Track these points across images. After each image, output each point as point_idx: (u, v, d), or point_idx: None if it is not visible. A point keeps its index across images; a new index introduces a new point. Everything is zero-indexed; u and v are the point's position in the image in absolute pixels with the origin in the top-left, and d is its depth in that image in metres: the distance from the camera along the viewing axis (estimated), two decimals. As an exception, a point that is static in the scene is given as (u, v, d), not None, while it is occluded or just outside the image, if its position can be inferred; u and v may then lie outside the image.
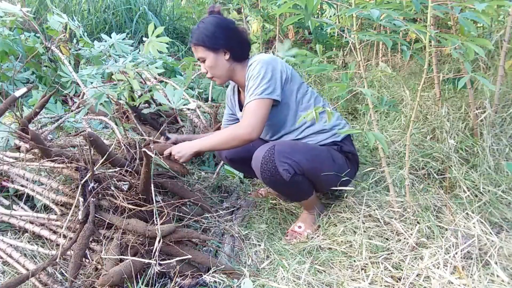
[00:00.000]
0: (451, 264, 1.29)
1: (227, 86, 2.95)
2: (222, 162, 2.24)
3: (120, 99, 2.27)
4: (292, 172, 1.52)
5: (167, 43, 2.68)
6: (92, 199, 1.42)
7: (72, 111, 2.36)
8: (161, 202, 1.53)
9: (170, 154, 1.68)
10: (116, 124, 2.08)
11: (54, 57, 2.89)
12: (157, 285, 1.36)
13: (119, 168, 1.58)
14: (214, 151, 1.71)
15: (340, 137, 1.69)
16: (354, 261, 1.42)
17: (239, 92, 1.85)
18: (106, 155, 1.46)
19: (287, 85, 1.64)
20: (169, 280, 1.37)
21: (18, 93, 1.76)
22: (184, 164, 1.75)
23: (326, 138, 1.68)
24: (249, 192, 2.07)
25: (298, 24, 3.77)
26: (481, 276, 1.24)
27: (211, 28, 1.61)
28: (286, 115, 1.67)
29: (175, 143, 1.81)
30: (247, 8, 3.30)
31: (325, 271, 1.41)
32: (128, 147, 1.66)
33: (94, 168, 1.44)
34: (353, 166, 1.72)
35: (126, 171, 1.57)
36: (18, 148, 1.83)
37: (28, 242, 1.60)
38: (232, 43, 1.65)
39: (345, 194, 1.72)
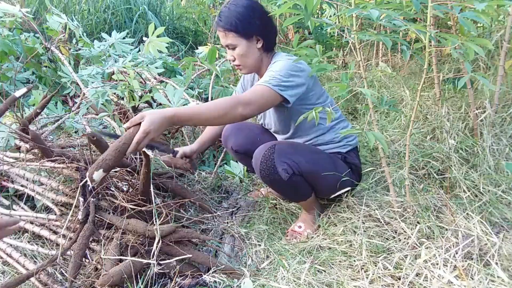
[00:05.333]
0: (451, 263, 1.29)
1: (227, 87, 2.95)
2: (220, 161, 2.24)
3: (122, 99, 2.27)
4: (290, 172, 1.51)
5: (167, 43, 2.69)
6: (92, 199, 1.42)
7: (72, 111, 2.36)
8: (160, 203, 1.53)
9: (173, 150, 1.64)
10: (118, 124, 2.08)
11: (54, 57, 2.89)
12: (157, 285, 1.36)
13: (119, 168, 1.58)
14: (198, 123, 1.43)
15: (346, 149, 1.68)
16: (354, 260, 1.42)
17: None
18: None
19: (306, 94, 1.57)
20: (169, 280, 1.37)
21: (18, 93, 1.76)
22: (189, 161, 1.73)
23: (331, 148, 1.68)
24: (249, 192, 2.07)
25: (298, 24, 3.77)
26: (482, 277, 1.24)
27: (245, 12, 1.50)
28: (299, 123, 1.59)
29: (186, 156, 1.77)
30: (247, 8, 3.29)
31: (325, 271, 1.41)
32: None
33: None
34: (355, 177, 1.71)
35: (127, 171, 1.58)
36: (18, 148, 1.83)
37: (28, 242, 1.60)
38: (267, 30, 1.56)
39: (345, 194, 1.72)
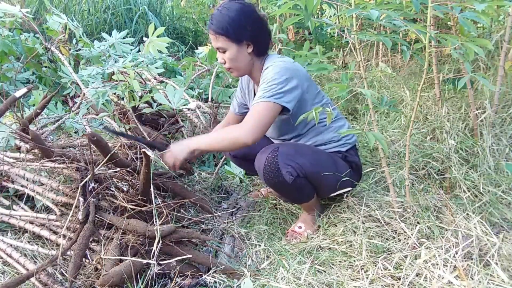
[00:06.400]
0: (451, 264, 1.29)
1: (227, 86, 2.96)
2: (221, 162, 2.24)
3: (122, 99, 2.27)
4: (295, 175, 1.51)
5: (167, 43, 2.69)
6: (92, 199, 1.42)
7: (72, 111, 2.36)
8: (160, 203, 1.53)
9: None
10: (118, 124, 2.08)
11: (54, 57, 2.89)
12: (157, 285, 1.36)
13: (119, 169, 1.58)
14: (211, 151, 1.66)
15: (345, 147, 1.68)
16: (354, 261, 1.42)
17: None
18: (109, 156, 1.45)
19: (301, 96, 1.56)
20: (169, 280, 1.37)
21: (18, 94, 1.76)
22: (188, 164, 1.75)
23: (331, 148, 1.67)
24: (249, 192, 2.07)
25: (298, 25, 3.77)
26: (481, 277, 1.24)
27: (237, 17, 1.49)
28: (296, 124, 1.60)
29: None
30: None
31: (325, 271, 1.41)
32: (128, 147, 1.66)
33: (96, 169, 1.44)
34: (356, 175, 1.71)
35: (127, 171, 1.58)
36: (18, 149, 1.84)
37: (28, 242, 1.60)
38: (258, 36, 1.55)
39: (345, 195, 1.73)
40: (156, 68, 2.63)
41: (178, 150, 1.55)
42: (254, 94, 1.75)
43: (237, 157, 1.87)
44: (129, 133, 2.05)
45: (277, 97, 1.48)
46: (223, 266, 1.40)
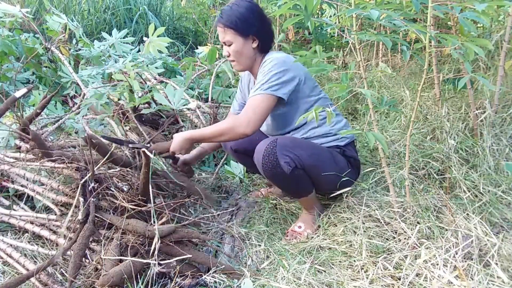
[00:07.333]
0: (451, 264, 1.29)
1: (227, 86, 2.95)
2: (222, 162, 2.24)
3: (120, 99, 2.27)
4: (293, 166, 1.53)
5: (167, 43, 2.69)
6: (92, 199, 1.42)
7: (72, 111, 2.36)
8: (160, 203, 1.53)
9: (174, 155, 1.70)
10: (116, 124, 2.08)
11: (54, 57, 2.89)
12: (157, 285, 1.36)
13: (119, 169, 1.58)
14: (210, 141, 1.78)
15: (344, 142, 1.69)
16: (354, 261, 1.43)
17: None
18: (107, 155, 1.46)
19: (298, 87, 1.63)
20: (169, 280, 1.37)
21: (18, 94, 1.76)
22: (188, 168, 1.81)
23: (329, 141, 1.68)
24: (249, 192, 2.07)
25: (298, 25, 3.76)
26: (481, 277, 1.24)
27: (246, 12, 1.60)
28: (293, 116, 1.68)
29: (186, 163, 1.83)
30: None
31: (325, 271, 1.41)
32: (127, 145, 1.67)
33: (95, 168, 1.44)
34: (355, 170, 1.72)
35: (127, 171, 1.58)
36: (18, 148, 1.84)
37: (28, 242, 1.60)
38: (263, 32, 1.65)
39: (345, 194, 1.73)
40: (156, 68, 2.63)
41: (182, 145, 1.63)
42: None
43: (238, 152, 1.88)
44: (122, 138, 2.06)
45: (274, 89, 1.57)
46: (223, 266, 1.40)
